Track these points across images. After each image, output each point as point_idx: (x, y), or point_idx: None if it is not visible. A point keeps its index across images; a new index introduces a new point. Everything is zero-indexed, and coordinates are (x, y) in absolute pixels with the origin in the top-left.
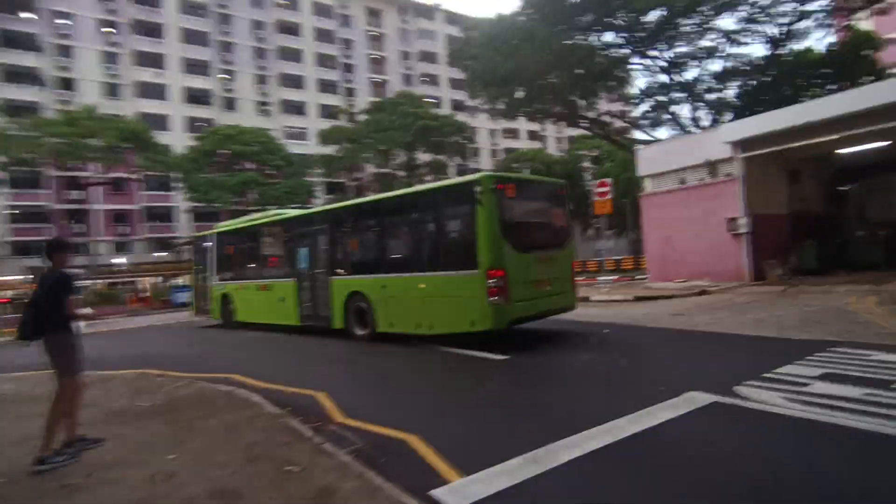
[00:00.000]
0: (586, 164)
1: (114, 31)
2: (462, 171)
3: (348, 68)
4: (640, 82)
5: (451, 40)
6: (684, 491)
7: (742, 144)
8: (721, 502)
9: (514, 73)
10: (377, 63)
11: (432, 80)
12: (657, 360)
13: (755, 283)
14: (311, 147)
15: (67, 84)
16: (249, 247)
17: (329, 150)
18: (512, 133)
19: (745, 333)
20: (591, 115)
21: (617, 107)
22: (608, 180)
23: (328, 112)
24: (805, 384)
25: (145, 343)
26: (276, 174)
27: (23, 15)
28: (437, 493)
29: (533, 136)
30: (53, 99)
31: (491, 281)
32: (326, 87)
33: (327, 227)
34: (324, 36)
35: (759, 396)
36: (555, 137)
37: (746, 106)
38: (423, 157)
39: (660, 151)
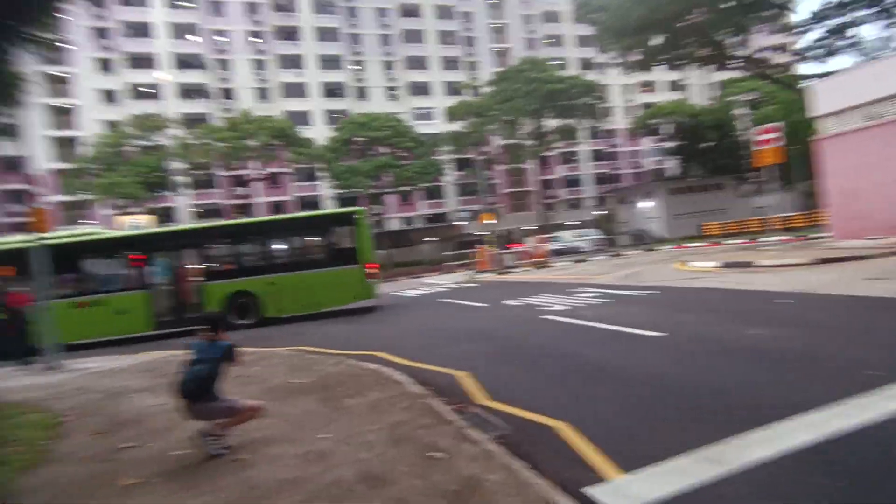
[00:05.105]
0: (740, 110)
1: (260, 39)
2: (594, 132)
3: (470, 42)
4: (806, 5)
5: None
6: None
7: None
8: None
9: (649, 18)
10: (499, 32)
11: (557, 40)
12: (860, 336)
13: None
14: (439, 126)
15: (227, 93)
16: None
17: (456, 126)
18: (648, 86)
19: None
20: (744, 53)
21: (776, 39)
22: (777, 125)
23: (453, 89)
24: None
25: None
26: (407, 155)
27: (189, 38)
28: (594, 491)
29: (674, 86)
30: (218, 108)
31: (368, 270)
32: (450, 64)
33: (201, 242)
34: (444, 13)
35: None
36: (700, 85)
37: None
38: (552, 123)
39: (844, 83)
